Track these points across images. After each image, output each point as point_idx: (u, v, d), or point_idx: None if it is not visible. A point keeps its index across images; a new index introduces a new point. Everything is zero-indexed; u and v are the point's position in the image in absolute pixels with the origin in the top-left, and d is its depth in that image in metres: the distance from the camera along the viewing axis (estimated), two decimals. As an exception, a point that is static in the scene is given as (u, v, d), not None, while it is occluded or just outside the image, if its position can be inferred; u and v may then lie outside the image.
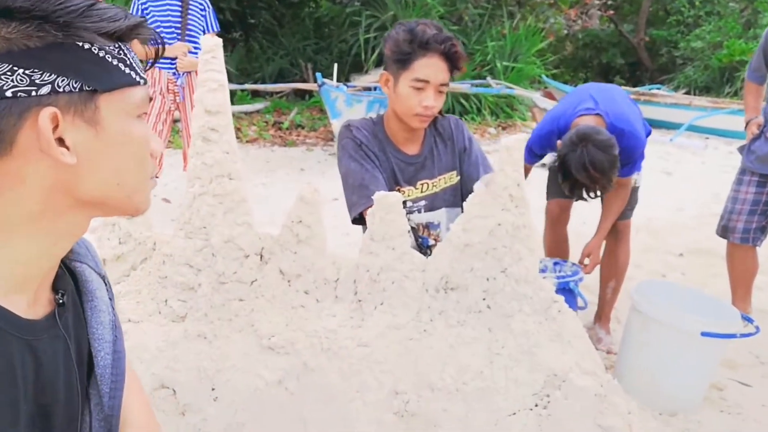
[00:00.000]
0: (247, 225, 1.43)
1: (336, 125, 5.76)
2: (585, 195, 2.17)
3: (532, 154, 2.50)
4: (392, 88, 1.69)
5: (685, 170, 6.40)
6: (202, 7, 3.74)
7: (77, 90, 0.60)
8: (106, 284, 0.82)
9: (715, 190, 5.23)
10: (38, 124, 0.59)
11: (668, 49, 13.50)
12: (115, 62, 0.65)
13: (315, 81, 7.42)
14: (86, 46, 0.61)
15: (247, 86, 7.54)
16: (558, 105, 2.54)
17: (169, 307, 1.40)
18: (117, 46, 0.65)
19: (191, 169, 1.41)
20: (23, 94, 0.58)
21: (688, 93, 11.31)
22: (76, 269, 0.78)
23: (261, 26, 10.06)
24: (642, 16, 13.78)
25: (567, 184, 2.15)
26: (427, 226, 1.79)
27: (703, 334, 1.92)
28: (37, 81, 0.58)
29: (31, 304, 0.68)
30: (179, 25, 3.67)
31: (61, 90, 0.59)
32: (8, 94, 0.57)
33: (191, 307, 1.40)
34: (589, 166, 2.02)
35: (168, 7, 3.62)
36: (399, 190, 1.77)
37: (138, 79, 0.68)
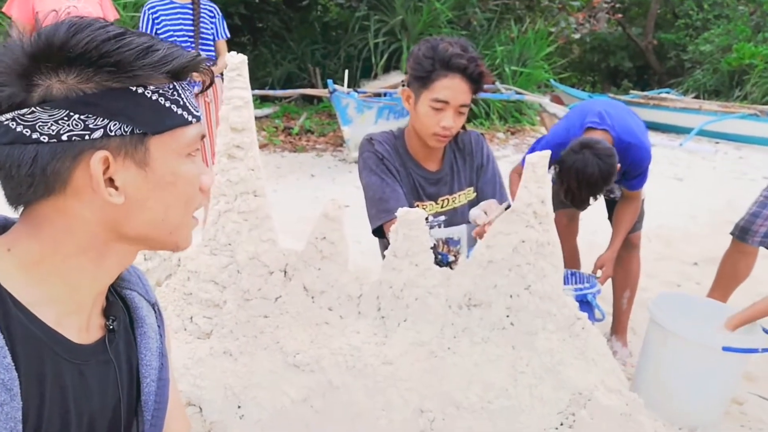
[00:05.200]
0: (272, 241, 1.43)
1: (347, 132, 5.76)
2: (580, 203, 2.18)
3: None
4: (413, 104, 1.69)
5: (696, 176, 6.36)
6: (212, 14, 3.74)
7: (128, 134, 0.63)
8: (155, 311, 0.83)
9: (727, 197, 5.20)
10: (90, 167, 0.62)
11: (677, 52, 13.43)
12: (167, 104, 0.66)
13: (323, 86, 7.44)
14: (139, 90, 0.63)
15: (258, 92, 7.56)
16: (562, 121, 2.53)
17: (195, 324, 1.40)
18: (172, 86, 0.66)
19: (216, 186, 1.41)
20: (77, 138, 0.61)
21: (697, 97, 11.25)
22: (126, 296, 0.80)
23: (269, 30, 10.07)
24: (650, 20, 13.71)
25: (562, 189, 2.16)
26: (447, 241, 1.79)
27: (725, 348, 1.91)
28: (90, 125, 0.61)
29: (83, 329, 0.71)
30: (192, 33, 3.67)
31: (112, 134, 0.62)
32: (64, 138, 0.61)
33: (216, 324, 1.40)
34: (582, 171, 2.04)
35: (180, 15, 3.62)
36: (420, 206, 1.77)
37: (190, 118, 0.69)
